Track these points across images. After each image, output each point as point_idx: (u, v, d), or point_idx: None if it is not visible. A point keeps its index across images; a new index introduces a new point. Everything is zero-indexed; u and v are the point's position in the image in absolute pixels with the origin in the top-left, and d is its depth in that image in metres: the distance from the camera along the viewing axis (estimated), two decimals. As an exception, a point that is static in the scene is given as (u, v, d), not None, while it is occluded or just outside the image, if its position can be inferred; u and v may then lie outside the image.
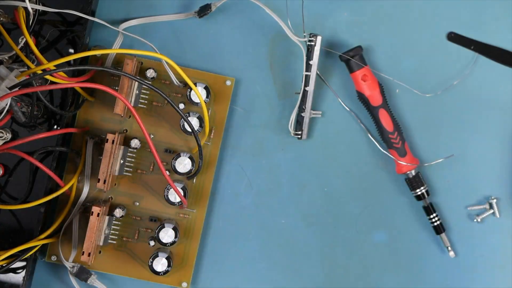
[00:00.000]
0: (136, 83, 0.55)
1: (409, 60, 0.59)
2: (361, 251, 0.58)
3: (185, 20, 0.58)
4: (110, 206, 0.56)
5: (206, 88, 0.55)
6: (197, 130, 0.54)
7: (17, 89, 0.48)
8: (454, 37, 0.59)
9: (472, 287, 0.58)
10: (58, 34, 0.56)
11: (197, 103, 0.55)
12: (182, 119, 0.53)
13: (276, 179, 0.58)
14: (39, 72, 0.48)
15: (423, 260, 0.58)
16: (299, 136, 0.57)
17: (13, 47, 0.50)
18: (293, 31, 0.56)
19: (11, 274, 0.56)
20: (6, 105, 0.49)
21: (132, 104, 0.55)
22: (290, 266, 0.58)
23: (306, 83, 0.56)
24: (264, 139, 0.58)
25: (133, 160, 0.56)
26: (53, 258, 0.56)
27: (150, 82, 0.55)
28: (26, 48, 0.50)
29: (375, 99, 0.56)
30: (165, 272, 0.54)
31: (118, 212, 0.55)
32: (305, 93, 0.56)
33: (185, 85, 0.56)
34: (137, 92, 0.55)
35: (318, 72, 0.57)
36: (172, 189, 0.53)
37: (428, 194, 0.57)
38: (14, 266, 0.54)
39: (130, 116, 0.57)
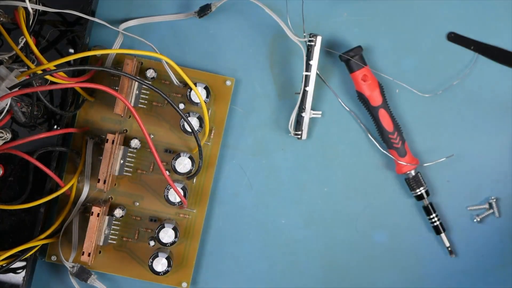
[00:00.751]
0: (136, 83, 0.55)
1: (409, 60, 0.59)
2: (361, 251, 0.58)
3: (185, 20, 0.58)
4: (110, 206, 0.56)
5: (206, 88, 0.55)
6: (197, 130, 0.54)
7: (17, 89, 0.48)
8: (454, 37, 0.59)
9: (472, 287, 0.58)
10: (58, 34, 0.56)
11: (197, 103, 0.55)
12: (182, 119, 0.53)
13: (276, 179, 0.58)
14: (39, 72, 0.48)
15: (423, 260, 0.58)
16: (299, 136, 0.57)
17: (13, 47, 0.50)
18: (293, 31, 0.56)
19: (11, 274, 0.56)
20: (6, 105, 0.49)
21: (132, 104, 0.55)
22: (290, 266, 0.58)
23: (306, 83, 0.56)
24: (264, 139, 0.58)
25: (133, 160, 0.56)
26: (53, 258, 0.56)
27: (150, 82, 0.55)
28: (26, 48, 0.50)
29: (375, 99, 0.56)
30: (165, 272, 0.54)
31: (118, 212, 0.55)
32: (305, 93, 0.56)
33: (185, 85, 0.56)
34: (137, 92, 0.55)
35: (318, 72, 0.57)
36: (172, 189, 0.53)
37: (428, 194, 0.57)
38: (14, 266, 0.54)
39: (130, 116, 0.57)
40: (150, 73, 0.56)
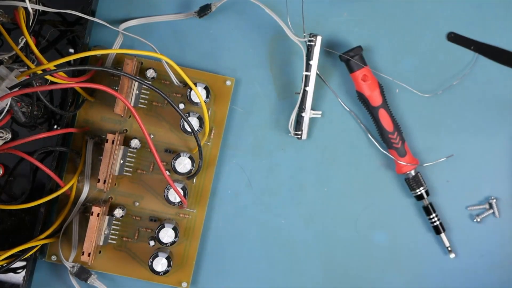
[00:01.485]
0: (136, 83, 0.55)
1: (409, 60, 0.59)
2: (361, 251, 0.58)
3: (185, 20, 0.58)
4: (110, 206, 0.56)
5: (206, 88, 0.55)
6: (197, 130, 0.54)
7: (17, 89, 0.48)
8: (454, 37, 0.59)
9: (472, 287, 0.58)
10: (58, 34, 0.56)
11: (197, 103, 0.55)
12: (182, 119, 0.53)
13: (276, 179, 0.58)
14: (39, 72, 0.48)
15: (423, 260, 0.58)
16: (299, 136, 0.57)
17: (13, 47, 0.50)
18: (293, 31, 0.56)
19: (11, 274, 0.56)
20: (6, 105, 0.49)
21: (132, 104, 0.55)
22: (290, 266, 0.58)
23: (306, 83, 0.56)
24: (264, 139, 0.58)
25: (133, 160, 0.56)
26: (53, 258, 0.56)
27: (150, 82, 0.55)
28: (26, 48, 0.50)
29: (375, 99, 0.56)
30: (165, 272, 0.54)
31: (118, 212, 0.55)
32: (305, 93, 0.56)
33: (185, 85, 0.56)
34: (137, 92, 0.55)
35: (318, 72, 0.57)
36: (172, 189, 0.53)
37: (428, 194, 0.57)
38: (14, 266, 0.54)
39: (130, 116, 0.57)
40: (150, 73, 0.56)
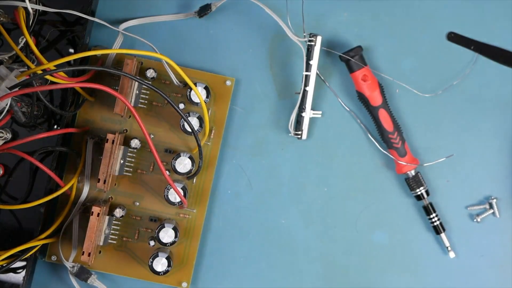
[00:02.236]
0: (136, 83, 0.55)
1: (409, 60, 0.59)
2: (361, 251, 0.58)
3: (185, 20, 0.58)
4: (110, 206, 0.56)
5: (206, 88, 0.55)
6: (197, 130, 0.54)
7: (17, 89, 0.48)
8: (454, 37, 0.59)
9: (472, 287, 0.58)
10: (58, 34, 0.56)
11: (197, 103, 0.55)
12: (182, 119, 0.53)
13: (276, 179, 0.58)
14: (39, 72, 0.48)
15: (423, 260, 0.58)
16: (299, 136, 0.57)
17: (13, 47, 0.50)
18: (293, 31, 0.56)
19: (11, 274, 0.56)
20: (6, 105, 0.49)
21: (132, 104, 0.55)
22: (290, 266, 0.58)
23: (306, 83, 0.56)
24: (264, 139, 0.58)
25: (133, 160, 0.56)
26: (53, 258, 0.56)
27: (150, 82, 0.55)
28: (26, 48, 0.50)
29: (375, 99, 0.56)
30: (165, 272, 0.54)
31: (118, 212, 0.55)
32: (305, 93, 0.56)
33: (185, 85, 0.56)
34: (137, 92, 0.55)
35: (318, 72, 0.57)
36: (172, 189, 0.53)
37: (428, 194, 0.57)
38: (14, 266, 0.54)
39: (130, 116, 0.57)
40: (150, 73, 0.56)
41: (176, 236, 0.54)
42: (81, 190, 0.55)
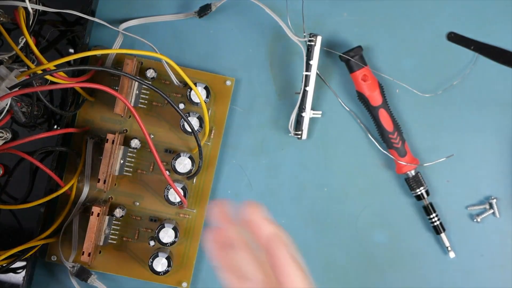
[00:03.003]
0: (136, 83, 0.55)
1: (409, 60, 0.59)
2: (361, 251, 0.58)
3: (185, 20, 0.58)
4: (110, 206, 0.56)
5: (206, 88, 0.55)
6: (197, 130, 0.54)
7: (17, 89, 0.48)
8: (454, 37, 0.59)
9: (472, 287, 0.58)
10: (58, 34, 0.56)
11: (197, 103, 0.55)
12: (182, 119, 0.53)
13: (276, 179, 0.58)
14: (39, 72, 0.48)
15: (423, 260, 0.58)
16: (299, 136, 0.57)
17: (13, 47, 0.50)
18: (293, 31, 0.56)
19: (11, 274, 0.56)
20: (6, 105, 0.49)
21: (132, 104, 0.55)
22: (290, 266, 0.58)
23: (306, 83, 0.56)
24: (264, 139, 0.58)
25: (133, 160, 0.56)
26: (53, 258, 0.56)
27: (150, 82, 0.55)
28: (26, 48, 0.50)
29: (375, 99, 0.56)
30: (165, 272, 0.54)
31: (118, 212, 0.55)
32: (305, 93, 0.56)
33: (185, 85, 0.56)
34: (137, 92, 0.55)
35: (318, 72, 0.57)
36: (172, 189, 0.53)
37: (428, 194, 0.57)
38: (14, 266, 0.54)
39: (130, 116, 0.57)
40: (150, 73, 0.56)
41: (176, 236, 0.54)
42: (81, 190, 0.55)
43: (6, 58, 0.53)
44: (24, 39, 0.51)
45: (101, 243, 0.54)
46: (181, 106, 0.56)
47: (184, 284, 0.56)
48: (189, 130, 0.53)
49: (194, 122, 0.54)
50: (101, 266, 0.56)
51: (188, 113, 0.54)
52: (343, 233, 0.58)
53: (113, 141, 0.53)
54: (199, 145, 0.53)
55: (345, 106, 0.58)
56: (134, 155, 0.56)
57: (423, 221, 0.58)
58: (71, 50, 0.57)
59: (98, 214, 0.52)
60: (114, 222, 0.56)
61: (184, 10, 0.58)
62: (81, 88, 0.54)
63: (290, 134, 0.57)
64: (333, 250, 0.58)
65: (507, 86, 0.58)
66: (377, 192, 0.58)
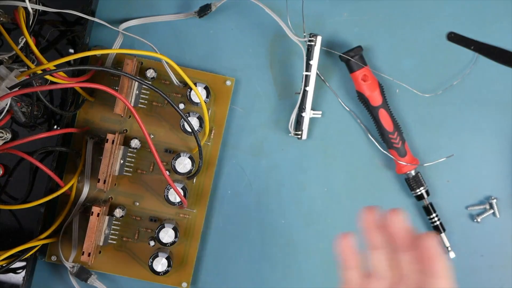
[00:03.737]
0: (136, 83, 0.55)
1: (409, 60, 0.59)
2: (361, 251, 0.58)
3: (185, 20, 0.58)
4: (110, 206, 0.56)
5: (206, 88, 0.55)
6: (197, 130, 0.54)
7: (17, 89, 0.48)
8: (454, 37, 0.59)
9: (472, 287, 0.58)
10: (58, 34, 0.56)
11: (197, 103, 0.55)
12: (182, 119, 0.53)
13: (276, 179, 0.58)
14: (39, 72, 0.48)
15: (423, 260, 0.58)
16: (299, 136, 0.57)
17: (13, 47, 0.50)
18: (293, 31, 0.56)
19: (11, 274, 0.56)
20: (6, 105, 0.49)
21: (132, 104, 0.55)
22: (290, 266, 0.58)
23: (306, 83, 0.56)
24: (264, 139, 0.58)
25: (133, 160, 0.56)
26: (53, 258, 0.56)
27: (150, 82, 0.55)
28: (26, 48, 0.50)
29: (375, 99, 0.56)
30: (165, 272, 0.54)
31: (118, 212, 0.55)
32: (305, 93, 0.56)
33: (185, 85, 0.56)
34: (137, 92, 0.55)
35: (318, 72, 0.57)
36: (172, 189, 0.53)
37: (428, 194, 0.57)
38: (14, 266, 0.54)
39: (130, 116, 0.57)
40: (150, 73, 0.56)
41: (176, 236, 0.54)
42: (81, 190, 0.55)
43: (6, 58, 0.53)
44: (24, 39, 0.51)
45: (101, 243, 0.54)
46: (181, 106, 0.56)
47: (184, 284, 0.56)
48: (189, 130, 0.53)
49: (194, 122, 0.54)
50: (101, 266, 0.56)
51: (188, 113, 0.54)
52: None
53: (113, 141, 0.53)
54: (199, 145, 0.53)
55: (345, 106, 0.58)
56: (134, 155, 0.56)
57: (423, 221, 0.58)
58: (71, 50, 0.57)
59: (98, 214, 0.52)
60: (114, 222, 0.56)
61: (184, 10, 0.58)
62: (81, 88, 0.54)
63: (290, 134, 0.57)
64: (333, 250, 0.58)
65: (507, 86, 0.58)
66: (377, 192, 0.58)
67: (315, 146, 0.58)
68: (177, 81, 0.56)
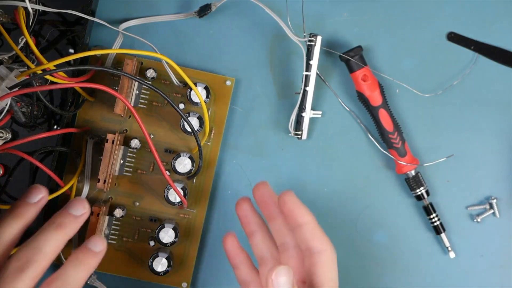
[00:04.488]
0: (136, 83, 0.55)
1: (409, 60, 0.59)
2: (361, 251, 0.58)
3: (185, 20, 0.58)
4: (110, 206, 0.56)
5: (206, 88, 0.55)
6: (197, 130, 0.54)
7: (17, 89, 0.48)
8: (454, 37, 0.59)
9: (472, 287, 0.58)
10: (58, 34, 0.56)
11: (197, 103, 0.55)
12: (182, 119, 0.53)
13: (276, 179, 0.58)
14: (39, 72, 0.48)
15: (423, 260, 0.58)
16: (299, 136, 0.57)
17: (13, 47, 0.50)
18: (293, 31, 0.56)
19: (11, 274, 0.56)
20: (6, 105, 0.49)
21: (132, 104, 0.55)
22: (290, 266, 0.58)
23: (306, 83, 0.56)
24: (264, 139, 0.58)
25: (133, 160, 0.56)
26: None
27: (150, 82, 0.55)
28: (26, 48, 0.50)
29: (375, 99, 0.56)
30: (165, 272, 0.54)
31: (118, 212, 0.55)
32: (305, 93, 0.56)
33: (185, 85, 0.56)
34: (137, 92, 0.55)
35: (318, 72, 0.57)
36: (172, 189, 0.53)
37: (428, 194, 0.57)
38: (14, 266, 0.54)
39: (130, 116, 0.57)
40: (150, 73, 0.56)
41: (176, 236, 0.54)
42: (81, 190, 0.55)
43: (6, 58, 0.53)
44: (24, 39, 0.51)
45: (101, 243, 0.54)
46: (181, 106, 0.56)
47: (184, 285, 0.56)
48: (189, 130, 0.53)
49: (194, 122, 0.54)
50: (101, 266, 0.56)
51: (188, 113, 0.54)
52: (343, 233, 0.58)
53: (113, 141, 0.53)
54: (199, 145, 0.53)
55: (345, 106, 0.58)
56: (134, 155, 0.56)
57: (423, 221, 0.58)
58: (71, 50, 0.57)
59: (98, 214, 0.52)
60: (114, 222, 0.56)
61: (184, 10, 0.58)
62: (81, 88, 0.54)
63: (290, 134, 0.57)
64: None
65: (507, 86, 0.58)
66: (377, 192, 0.58)
67: (315, 146, 0.58)
68: (177, 81, 0.56)
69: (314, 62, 0.56)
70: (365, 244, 0.58)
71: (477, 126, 0.58)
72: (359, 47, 0.56)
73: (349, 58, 0.56)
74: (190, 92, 0.55)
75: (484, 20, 0.59)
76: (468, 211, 0.58)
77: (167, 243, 0.54)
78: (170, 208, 0.56)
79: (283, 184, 0.58)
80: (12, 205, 0.42)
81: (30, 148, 0.54)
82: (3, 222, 0.40)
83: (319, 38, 0.56)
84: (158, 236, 0.54)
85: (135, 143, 0.56)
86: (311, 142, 0.58)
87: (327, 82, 0.58)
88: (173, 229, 0.54)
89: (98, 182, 0.52)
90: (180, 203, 0.54)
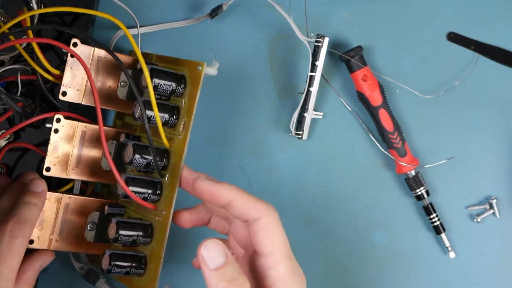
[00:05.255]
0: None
1: (409, 60, 0.59)
2: (361, 251, 0.58)
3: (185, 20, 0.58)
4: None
5: (182, 76, 0.48)
6: (172, 121, 0.48)
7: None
8: (454, 37, 0.59)
9: (472, 287, 0.58)
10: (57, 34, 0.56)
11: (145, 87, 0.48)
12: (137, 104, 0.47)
13: (276, 179, 0.58)
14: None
15: (423, 260, 0.58)
16: (300, 136, 0.57)
17: (17, 47, 0.50)
18: (298, 31, 0.55)
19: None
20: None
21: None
22: (290, 266, 0.58)
23: (311, 84, 0.56)
24: (264, 139, 0.58)
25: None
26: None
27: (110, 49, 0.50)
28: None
29: (375, 99, 0.56)
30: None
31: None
32: (308, 93, 0.56)
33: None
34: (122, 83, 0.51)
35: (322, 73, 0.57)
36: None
37: (428, 194, 0.57)
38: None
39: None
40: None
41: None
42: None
43: (7, 58, 0.53)
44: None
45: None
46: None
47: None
48: (137, 116, 0.47)
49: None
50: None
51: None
52: (343, 233, 0.58)
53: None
54: (147, 131, 0.46)
55: (347, 106, 0.58)
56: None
57: (423, 221, 0.58)
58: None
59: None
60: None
61: (195, 15, 0.58)
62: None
63: (290, 134, 0.57)
64: (333, 250, 0.58)
65: (507, 86, 0.58)
66: (377, 192, 0.58)
67: (316, 146, 0.58)
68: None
69: (320, 63, 0.55)
70: (364, 244, 0.58)
71: (477, 126, 0.58)
72: (359, 47, 0.56)
73: (349, 58, 0.56)
74: (141, 76, 0.48)
75: (484, 20, 0.59)
76: (468, 211, 0.58)
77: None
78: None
79: (283, 184, 0.58)
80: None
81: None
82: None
83: (326, 39, 0.55)
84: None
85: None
86: (312, 142, 0.58)
87: (330, 82, 0.58)
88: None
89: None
90: (123, 195, 0.48)
